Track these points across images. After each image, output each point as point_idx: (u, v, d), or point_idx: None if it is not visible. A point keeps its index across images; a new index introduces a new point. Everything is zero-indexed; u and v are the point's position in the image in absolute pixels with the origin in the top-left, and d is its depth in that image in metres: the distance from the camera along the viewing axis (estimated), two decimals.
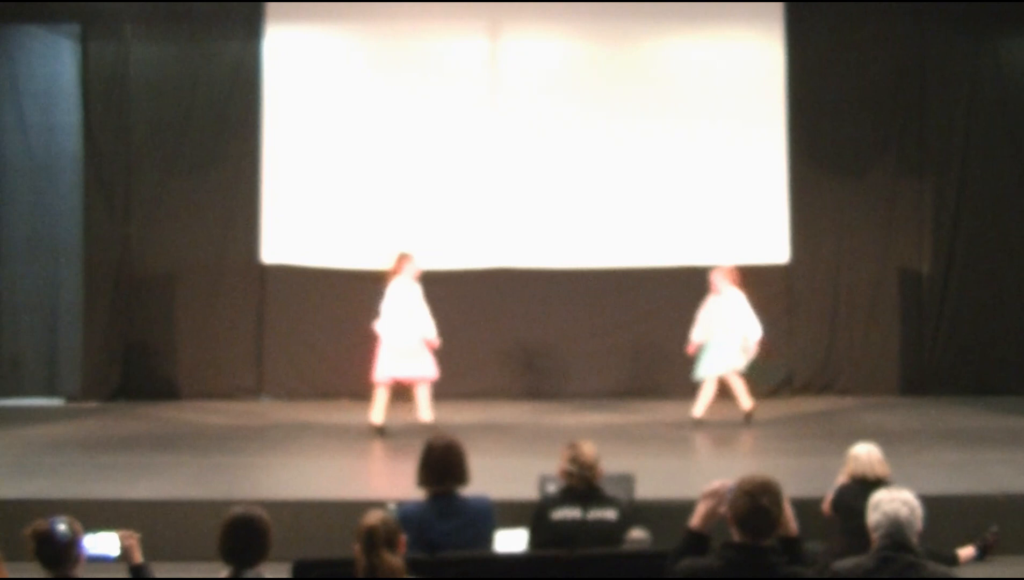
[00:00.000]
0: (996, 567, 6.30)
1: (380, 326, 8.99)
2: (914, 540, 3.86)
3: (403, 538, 3.90)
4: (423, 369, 9.04)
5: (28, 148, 11.24)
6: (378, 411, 9.03)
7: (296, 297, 11.13)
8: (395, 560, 3.80)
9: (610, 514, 5.03)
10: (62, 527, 3.89)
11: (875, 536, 3.90)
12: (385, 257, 10.77)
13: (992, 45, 11.21)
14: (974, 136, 11.13)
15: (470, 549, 4.59)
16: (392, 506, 5.20)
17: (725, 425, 9.37)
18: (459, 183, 11.11)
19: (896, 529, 3.84)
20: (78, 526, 3.97)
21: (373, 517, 3.85)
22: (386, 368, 8.97)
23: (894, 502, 3.90)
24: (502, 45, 11.29)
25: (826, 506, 6.04)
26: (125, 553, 4.23)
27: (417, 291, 9.11)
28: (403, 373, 9.00)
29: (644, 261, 10.79)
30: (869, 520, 3.93)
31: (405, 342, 8.95)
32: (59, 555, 3.89)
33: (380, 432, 8.99)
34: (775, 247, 11.15)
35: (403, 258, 9.11)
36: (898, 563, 3.78)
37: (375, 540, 3.77)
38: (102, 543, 4.18)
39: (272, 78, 11.17)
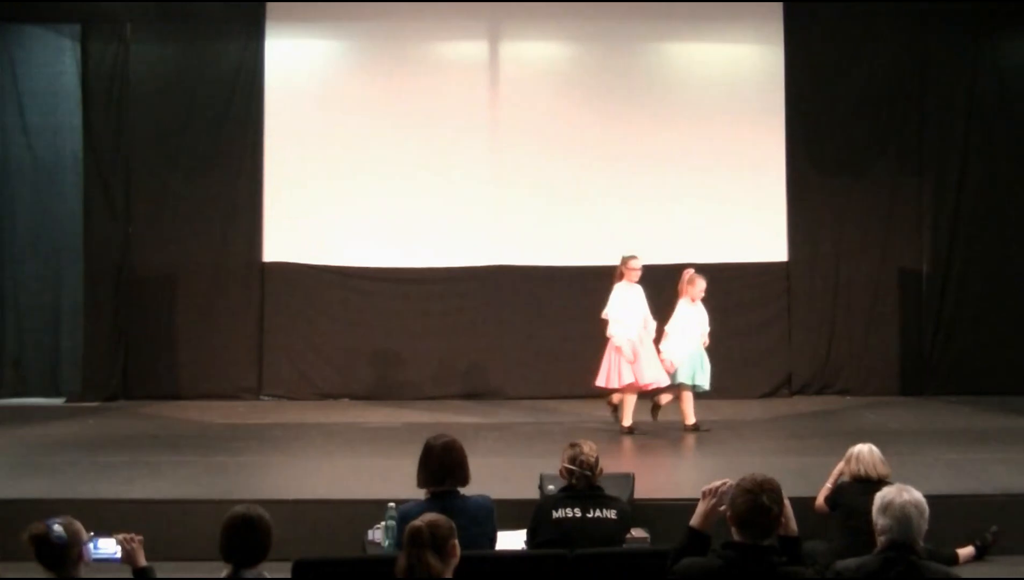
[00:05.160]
0: (996, 567, 6.31)
1: (614, 331, 8.97)
2: (920, 542, 3.81)
3: (455, 543, 3.79)
4: (656, 374, 9.01)
5: (29, 148, 11.24)
6: (629, 415, 9.06)
7: (297, 296, 11.13)
8: (438, 564, 3.71)
9: (610, 514, 5.03)
10: (58, 528, 3.87)
11: (881, 537, 3.84)
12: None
13: (992, 45, 11.21)
14: (974, 136, 11.13)
15: (472, 549, 4.59)
16: (392, 506, 5.21)
17: (724, 426, 9.38)
18: (459, 182, 11.10)
19: (903, 530, 3.79)
20: (78, 525, 3.95)
21: (424, 518, 3.78)
22: (626, 374, 8.95)
23: (903, 502, 3.82)
24: (502, 45, 11.30)
25: (820, 502, 6.05)
26: (128, 556, 4.22)
27: (641, 294, 9.08)
28: (642, 379, 8.97)
29: (643, 259, 10.77)
30: (876, 520, 3.86)
31: (632, 350, 8.94)
32: (58, 556, 3.87)
33: (631, 432, 8.99)
34: (774, 246, 11.15)
35: (623, 261, 9.09)
36: (902, 564, 3.75)
37: (418, 541, 3.71)
38: (104, 546, 4.17)
39: (273, 77, 11.16)
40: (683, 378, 9.11)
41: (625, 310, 8.96)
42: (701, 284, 9.20)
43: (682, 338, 9.09)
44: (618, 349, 8.94)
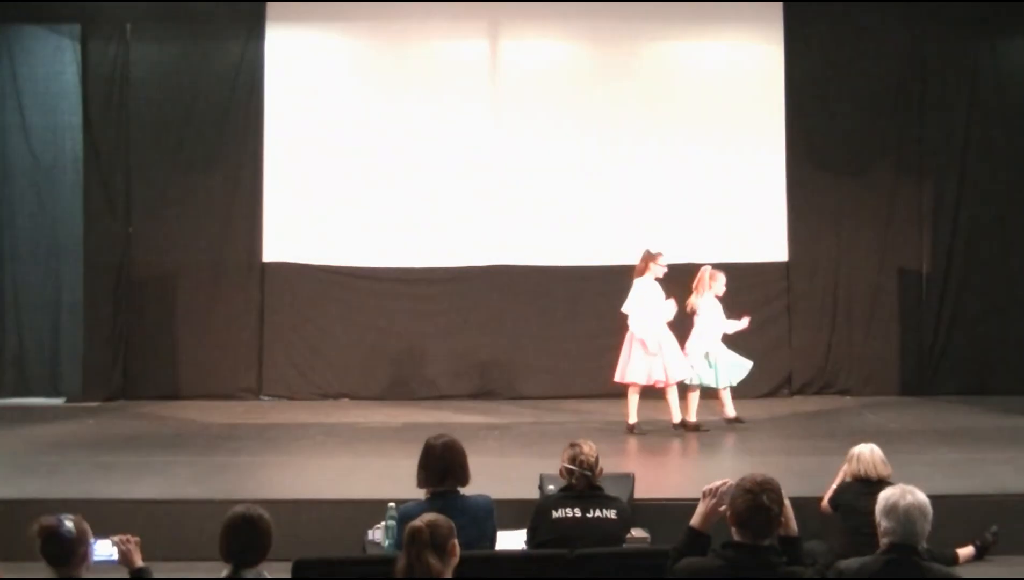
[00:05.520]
0: (996, 567, 6.31)
1: (634, 326, 8.91)
2: (923, 543, 3.81)
3: (455, 543, 3.78)
4: (675, 371, 8.97)
5: (29, 148, 11.23)
6: (633, 412, 9.03)
7: (297, 296, 11.14)
8: (438, 564, 3.70)
9: (610, 514, 5.03)
10: (69, 523, 3.87)
11: (884, 539, 3.83)
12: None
13: (992, 45, 11.22)
14: (974, 136, 11.13)
15: (472, 549, 4.58)
16: (392, 506, 5.21)
17: (724, 426, 9.37)
18: (459, 182, 11.10)
19: (907, 533, 3.79)
20: (86, 525, 3.94)
21: (424, 518, 3.78)
22: (639, 370, 8.91)
23: (908, 505, 3.80)
24: (502, 45, 11.30)
25: (824, 503, 6.06)
26: (124, 557, 4.21)
27: (659, 290, 9.02)
28: (656, 375, 8.94)
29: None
30: (879, 521, 3.85)
31: (657, 343, 8.89)
32: (65, 552, 3.86)
33: (633, 430, 8.98)
34: (774, 246, 11.16)
35: (650, 257, 9.03)
36: (904, 565, 3.75)
37: (418, 541, 3.70)
38: (99, 548, 4.17)
39: (273, 77, 11.16)
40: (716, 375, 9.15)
41: (647, 305, 8.93)
42: (722, 278, 9.23)
43: (713, 335, 9.11)
44: (642, 343, 8.90)
